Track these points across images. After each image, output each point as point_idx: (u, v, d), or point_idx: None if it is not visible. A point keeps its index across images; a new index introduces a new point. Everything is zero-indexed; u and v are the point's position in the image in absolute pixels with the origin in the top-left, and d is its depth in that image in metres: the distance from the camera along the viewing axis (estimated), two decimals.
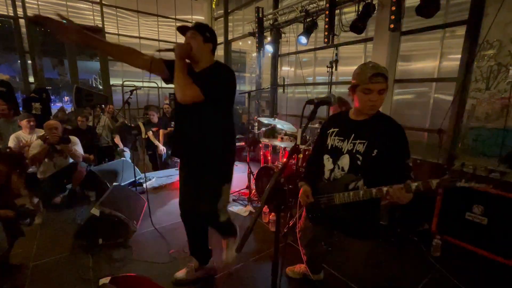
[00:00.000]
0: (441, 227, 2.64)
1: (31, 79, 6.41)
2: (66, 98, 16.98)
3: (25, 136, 3.37)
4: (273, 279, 1.14)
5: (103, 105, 5.09)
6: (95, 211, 2.34)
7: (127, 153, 4.50)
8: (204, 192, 1.77)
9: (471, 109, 3.27)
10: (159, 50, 1.64)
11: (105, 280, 1.41)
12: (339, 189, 1.42)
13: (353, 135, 1.41)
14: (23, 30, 6.06)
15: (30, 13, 6.04)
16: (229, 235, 2.03)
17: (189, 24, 1.70)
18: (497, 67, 3.04)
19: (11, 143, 3.27)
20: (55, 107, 8.28)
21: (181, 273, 2.02)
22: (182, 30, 1.72)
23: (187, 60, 1.65)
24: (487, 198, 2.35)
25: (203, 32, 1.67)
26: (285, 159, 3.64)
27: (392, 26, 3.25)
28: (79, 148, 3.39)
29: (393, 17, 3.24)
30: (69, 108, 11.36)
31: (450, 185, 1.14)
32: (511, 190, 2.26)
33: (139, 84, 7.29)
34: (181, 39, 1.75)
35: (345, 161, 1.42)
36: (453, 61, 3.47)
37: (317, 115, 1.40)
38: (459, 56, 3.31)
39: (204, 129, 1.67)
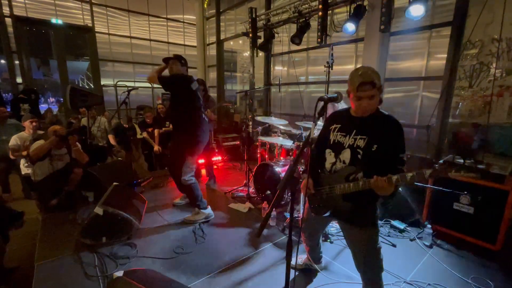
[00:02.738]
0: (431, 217, 2.79)
1: (18, 79, 6.25)
2: (52, 99, 16.52)
3: (28, 137, 3.35)
4: (287, 266, 1.22)
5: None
6: (99, 210, 2.36)
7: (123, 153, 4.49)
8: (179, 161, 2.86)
9: (456, 106, 3.46)
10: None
11: (118, 274, 1.45)
12: (340, 181, 1.52)
13: (355, 131, 1.51)
14: (10, 29, 5.90)
15: (17, 12, 5.89)
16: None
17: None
18: (479, 66, 3.23)
19: (13, 143, 3.24)
20: (41, 108, 8.08)
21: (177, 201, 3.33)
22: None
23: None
24: (474, 188, 2.52)
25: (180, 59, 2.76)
26: (282, 157, 3.74)
27: (382, 27, 3.40)
28: None
29: (383, 18, 3.39)
30: (54, 109, 11.09)
31: (442, 174, 1.23)
32: (494, 180, 2.43)
33: (131, 84, 7.25)
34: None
35: (346, 155, 1.52)
36: (439, 60, 3.65)
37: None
38: (445, 55, 3.49)
39: None
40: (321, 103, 1.40)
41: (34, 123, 3.38)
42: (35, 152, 2.92)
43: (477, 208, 2.51)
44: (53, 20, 6.28)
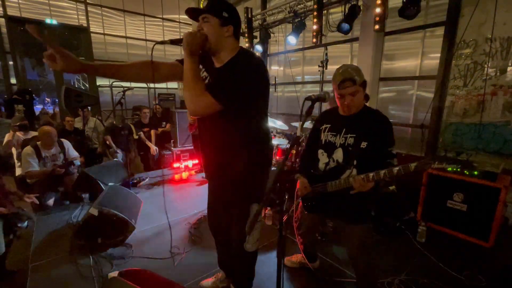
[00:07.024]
0: (425, 215, 2.83)
1: (13, 80, 6.21)
2: (47, 100, 16.38)
3: (19, 137, 3.35)
4: (278, 268, 1.22)
5: (88, 108, 5.00)
6: (94, 211, 2.35)
7: (120, 154, 4.47)
8: (232, 213, 1.54)
9: (451, 105, 3.49)
10: (162, 42, 1.33)
11: (113, 274, 1.45)
12: (332, 179, 1.54)
13: (344, 129, 1.53)
14: (3, 30, 5.85)
15: (10, 12, 5.85)
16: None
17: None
18: (473, 65, 3.27)
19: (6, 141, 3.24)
20: (36, 109, 8.02)
21: (207, 282, 1.95)
22: (192, 14, 1.28)
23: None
24: (466, 186, 2.55)
25: (219, 12, 1.25)
26: (277, 157, 3.75)
27: (376, 27, 3.42)
28: (71, 152, 3.39)
29: (377, 18, 3.42)
30: (50, 109, 10.99)
31: (426, 166, 1.26)
32: (487, 178, 2.46)
33: (127, 84, 7.21)
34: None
35: (339, 154, 1.54)
36: (433, 60, 3.68)
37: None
38: (439, 55, 3.52)
39: (227, 138, 1.36)
40: (308, 103, 1.40)
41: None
42: (28, 177, 3.07)
43: (470, 205, 2.54)
44: (48, 20, 6.23)
